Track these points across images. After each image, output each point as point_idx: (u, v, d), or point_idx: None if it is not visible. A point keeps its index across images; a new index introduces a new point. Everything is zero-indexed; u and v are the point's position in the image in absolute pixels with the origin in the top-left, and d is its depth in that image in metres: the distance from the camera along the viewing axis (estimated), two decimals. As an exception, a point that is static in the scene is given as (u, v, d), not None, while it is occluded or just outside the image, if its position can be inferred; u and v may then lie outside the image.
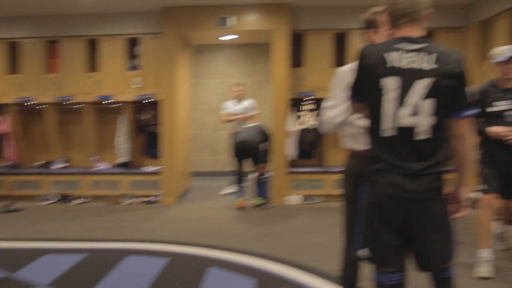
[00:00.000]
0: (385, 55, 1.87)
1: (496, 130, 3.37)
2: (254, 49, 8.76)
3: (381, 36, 2.34)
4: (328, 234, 4.78)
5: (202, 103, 8.94)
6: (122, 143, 6.88)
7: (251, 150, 6.08)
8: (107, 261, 4.00)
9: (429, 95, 1.83)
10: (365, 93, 1.95)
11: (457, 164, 1.99)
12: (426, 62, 1.83)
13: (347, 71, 2.35)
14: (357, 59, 1.95)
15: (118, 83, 6.69)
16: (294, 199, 6.46)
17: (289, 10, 6.34)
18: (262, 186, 6.33)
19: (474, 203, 5.03)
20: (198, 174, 8.56)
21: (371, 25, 2.43)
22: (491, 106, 3.42)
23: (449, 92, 1.85)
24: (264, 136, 6.25)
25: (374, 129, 1.94)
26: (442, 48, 1.88)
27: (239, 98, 6.75)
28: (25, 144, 7.18)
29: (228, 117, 6.67)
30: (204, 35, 7.04)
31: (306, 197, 6.51)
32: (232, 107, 6.73)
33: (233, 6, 6.31)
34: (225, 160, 8.61)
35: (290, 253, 4.13)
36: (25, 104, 6.89)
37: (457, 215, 2.03)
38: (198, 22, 6.41)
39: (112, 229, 5.18)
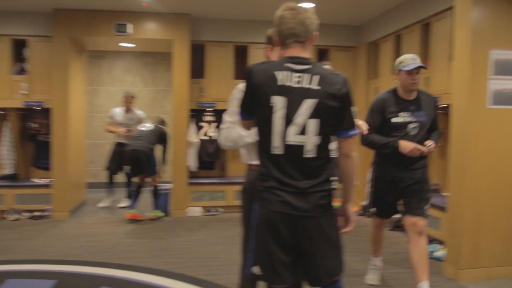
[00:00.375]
0: (276, 73, 1.89)
1: (410, 146, 3.11)
2: (155, 57, 8.57)
3: (275, 53, 2.40)
4: (229, 246, 4.77)
5: (100, 111, 8.50)
6: (6, 154, 6.27)
7: (143, 160, 5.83)
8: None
9: (314, 115, 1.87)
10: (255, 111, 1.95)
11: (343, 181, 2.07)
12: (311, 83, 1.88)
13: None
14: (245, 77, 1.96)
15: (2, 87, 6.09)
16: (195, 211, 6.37)
17: (190, 20, 6.28)
18: (159, 198, 6.15)
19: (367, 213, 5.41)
20: (95, 186, 8.10)
21: (268, 41, 2.47)
22: (394, 117, 3.21)
23: (333, 113, 1.91)
24: (162, 141, 6.11)
25: (264, 147, 1.95)
26: (326, 70, 1.94)
27: (128, 108, 6.60)
28: None
29: (110, 128, 6.60)
30: (100, 41, 6.70)
31: (208, 209, 6.46)
32: (119, 115, 6.60)
33: (132, 13, 6.09)
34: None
35: (189, 268, 4.04)
36: None
37: (345, 230, 2.11)
38: (94, 27, 6.07)
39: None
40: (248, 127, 2.10)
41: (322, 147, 1.92)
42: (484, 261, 3.76)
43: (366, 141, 3.32)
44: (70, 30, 6.01)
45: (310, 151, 1.89)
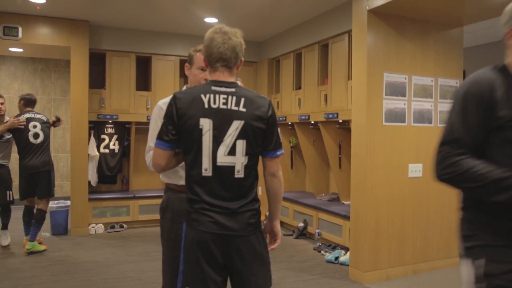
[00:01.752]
0: (202, 96, 1.92)
1: None
2: (46, 64, 7.98)
3: (192, 72, 2.44)
4: (139, 264, 4.62)
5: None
6: None
7: (40, 180, 5.04)
8: None
9: (241, 136, 1.93)
10: (182, 137, 1.95)
11: (270, 200, 2.15)
12: (237, 105, 1.94)
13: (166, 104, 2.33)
14: (169, 105, 1.95)
15: None
16: (97, 228, 6.05)
17: (89, 28, 5.98)
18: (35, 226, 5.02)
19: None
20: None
21: (189, 60, 2.49)
22: None
23: (259, 134, 1.98)
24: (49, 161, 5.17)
25: (192, 170, 1.96)
26: (252, 93, 2.02)
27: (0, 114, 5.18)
28: None
29: None
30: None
31: (111, 225, 6.18)
32: None
33: (23, 15, 5.62)
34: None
35: (99, 291, 3.84)
36: None
37: (273, 246, 2.20)
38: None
39: None
40: (161, 160, 1.98)
41: (251, 167, 1.99)
42: (383, 263, 4.16)
43: (450, 170, 1.54)
44: None
45: (239, 172, 1.95)
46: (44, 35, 5.76)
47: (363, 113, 4.12)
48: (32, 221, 5.00)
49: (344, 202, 5.42)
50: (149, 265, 4.57)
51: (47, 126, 5.15)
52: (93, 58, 6.20)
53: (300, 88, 6.08)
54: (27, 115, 5.04)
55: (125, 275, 4.30)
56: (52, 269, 4.48)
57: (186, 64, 2.51)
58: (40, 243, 5.17)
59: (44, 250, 5.08)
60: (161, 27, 6.21)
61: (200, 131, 1.90)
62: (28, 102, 5.20)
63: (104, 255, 4.98)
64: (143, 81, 6.69)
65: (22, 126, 4.93)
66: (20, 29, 5.60)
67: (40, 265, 4.62)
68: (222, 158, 1.92)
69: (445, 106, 4.48)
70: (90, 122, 6.11)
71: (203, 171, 1.92)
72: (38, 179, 5.00)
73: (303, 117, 5.83)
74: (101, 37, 6.18)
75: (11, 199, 5.19)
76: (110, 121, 6.37)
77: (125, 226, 6.25)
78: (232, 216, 1.95)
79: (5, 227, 5.28)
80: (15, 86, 7.87)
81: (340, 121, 5.36)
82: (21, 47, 6.26)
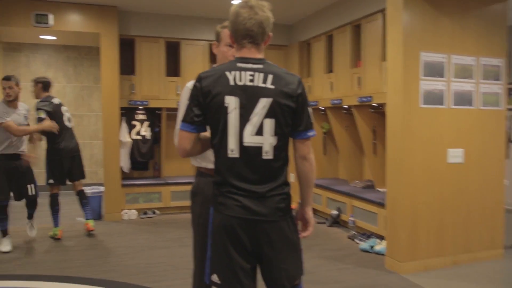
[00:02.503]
0: (227, 73, 1.83)
1: None
2: (79, 52, 8.07)
3: (220, 50, 2.34)
4: (171, 250, 4.63)
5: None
6: None
7: (76, 162, 5.08)
8: None
9: (270, 114, 1.83)
10: (208, 116, 1.86)
11: (301, 184, 2.03)
12: (265, 82, 1.83)
13: None
14: (195, 85, 1.87)
15: None
16: (130, 214, 6.11)
17: (118, 14, 5.98)
18: (87, 205, 5.19)
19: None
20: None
21: (216, 37, 2.40)
22: None
23: (289, 113, 1.87)
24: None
25: (219, 150, 1.87)
26: (281, 69, 1.90)
27: (13, 101, 4.60)
28: None
29: (26, 130, 4.61)
30: (17, 32, 6.14)
31: (144, 211, 6.23)
32: (6, 113, 4.51)
33: (53, 2, 5.66)
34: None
35: (130, 276, 3.85)
36: None
37: (304, 234, 2.09)
38: (10, 17, 5.56)
39: None
40: (186, 143, 1.90)
41: (280, 149, 1.88)
42: (421, 253, 3.98)
43: None
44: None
45: (267, 153, 1.85)
46: (74, 22, 5.80)
47: (399, 95, 3.92)
48: (84, 201, 5.11)
49: (379, 189, 5.25)
50: (181, 251, 4.57)
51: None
52: (122, 44, 6.19)
53: (331, 71, 5.90)
54: (55, 101, 5.03)
55: (157, 260, 4.31)
56: (87, 253, 4.55)
57: (214, 42, 2.42)
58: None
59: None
60: (189, 11, 6.15)
61: (225, 109, 1.81)
62: (46, 86, 5.05)
63: (137, 241, 5.02)
64: (173, 67, 6.65)
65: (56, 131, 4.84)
66: (51, 16, 5.65)
67: (75, 249, 4.70)
68: (249, 138, 1.82)
69: (488, 87, 4.22)
70: (121, 108, 6.14)
71: (229, 152, 1.83)
72: (74, 162, 5.05)
73: (335, 102, 5.66)
74: (130, 23, 6.16)
75: (33, 193, 4.78)
76: (141, 107, 6.39)
77: (157, 212, 6.29)
78: (260, 200, 1.85)
79: (30, 216, 4.99)
80: (49, 75, 7.98)
81: (374, 104, 5.17)
82: (53, 35, 6.30)
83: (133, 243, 4.94)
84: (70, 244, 4.88)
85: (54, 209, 5.07)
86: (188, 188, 5.87)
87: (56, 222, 5.08)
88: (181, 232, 5.33)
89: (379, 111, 5.27)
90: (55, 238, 5.05)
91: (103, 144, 5.98)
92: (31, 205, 4.90)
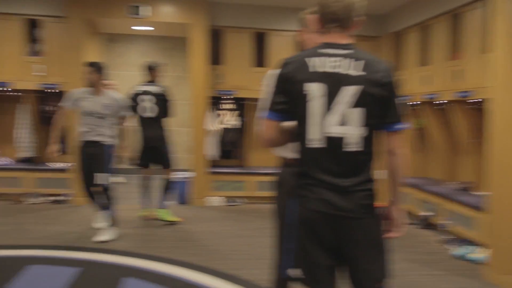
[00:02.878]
0: (307, 60, 1.75)
1: None
2: (171, 42, 8.41)
3: (309, 36, 2.26)
4: (253, 239, 4.68)
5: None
6: (24, 136, 6.20)
7: (159, 151, 5.20)
8: (2, 272, 3.52)
9: (357, 103, 1.71)
10: (290, 104, 1.79)
11: (389, 181, 1.89)
12: (353, 69, 1.72)
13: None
14: (278, 73, 1.81)
15: (16, 69, 5.99)
16: (215, 200, 6.29)
17: (207, 4, 6.13)
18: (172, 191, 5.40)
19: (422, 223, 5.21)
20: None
21: (302, 24, 2.33)
22: None
23: (378, 102, 1.74)
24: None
25: (301, 140, 1.80)
26: (371, 56, 1.79)
27: (96, 88, 4.45)
28: None
29: (54, 125, 4.64)
30: (115, 23, 6.54)
31: (228, 199, 6.37)
32: (84, 99, 4.42)
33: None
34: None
35: (214, 261, 3.95)
36: None
37: (391, 235, 1.93)
38: (108, 9, 5.94)
39: (13, 232, 4.62)
40: (270, 131, 1.83)
41: (367, 140, 1.76)
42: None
43: None
44: (83, 11, 5.90)
45: (352, 144, 1.73)
46: (167, 13, 6.08)
47: (507, 90, 3.57)
48: (163, 189, 5.21)
49: (477, 193, 4.84)
50: (263, 241, 4.58)
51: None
52: (210, 34, 6.33)
53: (426, 64, 5.55)
54: (135, 89, 5.18)
55: (239, 248, 4.39)
56: (174, 235, 4.75)
57: (301, 28, 2.35)
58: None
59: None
60: (277, 1, 6.13)
61: (305, 97, 1.73)
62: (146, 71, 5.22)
63: (222, 227, 5.15)
64: (260, 57, 6.68)
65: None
66: (143, 8, 5.96)
67: (163, 231, 4.93)
68: (333, 128, 1.72)
69: None
70: (209, 98, 6.31)
71: (311, 142, 1.75)
72: (156, 151, 5.16)
73: (429, 96, 5.32)
74: (218, 13, 6.28)
75: (100, 182, 4.41)
76: (228, 97, 6.52)
77: (241, 200, 6.40)
78: (343, 194, 1.74)
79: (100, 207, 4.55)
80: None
81: (473, 100, 4.77)
82: (150, 25, 6.61)
83: (217, 229, 5.07)
84: (159, 225, 5.13)
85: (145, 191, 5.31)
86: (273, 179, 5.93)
87: (146, 204, 5.31)
88: (265, 222, 5.35)
89: (478, 107, 4.85)
90: (149, 219, 5.27)
91: (192, 131, 6.20)
92: (98, 195, 4.50)
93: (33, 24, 6.14)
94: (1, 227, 4.81)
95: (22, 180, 6.01)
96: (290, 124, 1.85)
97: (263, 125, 1.85)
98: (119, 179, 6.81)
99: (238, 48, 6.40)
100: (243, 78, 6.39)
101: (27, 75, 5.99)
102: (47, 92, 6.22)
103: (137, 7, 5.91)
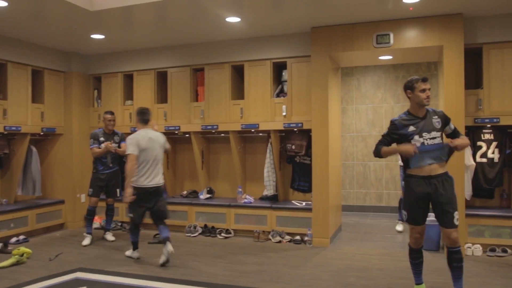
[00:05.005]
0: None
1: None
2: (407, 70, 7.77)
3: None
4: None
5: (349, 131, 8.19)
6: (269, 175, 6.39)
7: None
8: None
9: None
10: None
11: None
12: None
13: None
14: None
15: (263, 110, 6.25)
16: (474, 249, 5.25)
17: (463, 21, 5.26)
18: None
19: None
20: (345, 209, 7.74)
21: None
22: None
23: None
24: None
25: None
26: None
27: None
28: (171, 172, 7.15)
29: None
30: (357, 56, 6.22)
31: (491, 248, 5.24)
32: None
33: (394, 21, 5.45)
34: (376, 193, 7.74)
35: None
36: (175, 132, 6.82)
37: None
38: (351, 42, 5.66)
39: (262, 274, 4.59)
40: None
41: None
42: None
43: None
44: (327, 47, 5.75)
45: None
46: (414, 38, 5.44)
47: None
48: None
49: None
50: None
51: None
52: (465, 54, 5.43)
53: None
54: None
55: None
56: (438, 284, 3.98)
57: None
58: None
59: None
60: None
61: None
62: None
63: (494, 285, 4.14)
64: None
65: None
66: (392, 35, 5.47)
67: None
68: None
69: None
70: (465, 127, 5.37)
71: None
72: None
73: None
74: (475, 30, 5.36)
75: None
76: (488, 126, 5.47)
77: (509, 251, 5.20)
78: None
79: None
80: (378, 96, 8.02)
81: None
82: (391, 54, 6.10)
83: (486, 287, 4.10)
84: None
85: None
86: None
87: None
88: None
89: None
90: None
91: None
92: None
93: (279, 67, 6.38)
94: (252, 267, 4.86)
95: (267, 218, 6.15)
96: None
97: None
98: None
99: (502, 67, 5.32)
100: (507, 102, 5.29)
101: (273, 115, 6.19)
102: (289, 131, 6.29)
103: (388, 35, 5.49)
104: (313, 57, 5.83)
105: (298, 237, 5.95)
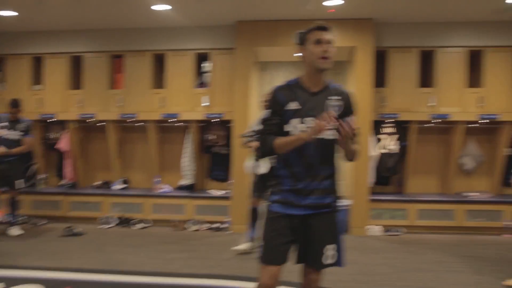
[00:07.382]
0: None
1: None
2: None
3: None
4: (438, 274, 4.26)
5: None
6: (187, 164, 6.48)
7: None
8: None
9: None
10: None
11: None
12: None
13: None
14: None
15: (185, 100, 6.32)
16: (375, 230, 5.93)
17: (373, 26, 5.91)
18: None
19: None
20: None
21: None
22: None
23: None
24: None
25: None
26: None
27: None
28: (83, 162, 6.87)
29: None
30: (274, 52, 6.57)
31: (388, 228, 5.96)
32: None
33: (311, 21, 5.85)
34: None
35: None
36: (87, 121, 6.57)
37: None
38: (274, 38, 6.01)
39: (190, 260, 4.72)
40: None
41: None
42: None
43: None
44: (251, 41, 6.03)
45: None
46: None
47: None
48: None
49: None
50: (450, 277, 4.15)
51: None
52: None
53: None
54: None
55: (428, 285, 3.96)
56: (354, 267, 4.41)
57: None
58: None
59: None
60: (447, 17, 5.74)
61: None
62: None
63: (396, 260, 4.76)
64: (424, 77, 6.27)
65: None
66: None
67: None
68: None
69: None
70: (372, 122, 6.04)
71: None
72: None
73: None
74: (383, 34, 6.05)
75: None
76: (389, 120, 6.19)
77: (402, 230, 5.95)
78: None
79: None
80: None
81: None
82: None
83: (392, 261, 4.70)
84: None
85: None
86: (437, 206, 5.50)
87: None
88: (441, 255, 4.89)
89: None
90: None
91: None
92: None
93: (201, 58, 6.46)
94: (177, 254, 4.95)
95: (184, 207, 6.25)
96: None
97: None
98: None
99: (403, 69, 6.07)
100: (408, 100, 6.05)
101: (194, 106, 6.30)
102: (210, 121, 6.46)
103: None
104: (237, 50, 6.05)
105: (216, 225, 6.14)
